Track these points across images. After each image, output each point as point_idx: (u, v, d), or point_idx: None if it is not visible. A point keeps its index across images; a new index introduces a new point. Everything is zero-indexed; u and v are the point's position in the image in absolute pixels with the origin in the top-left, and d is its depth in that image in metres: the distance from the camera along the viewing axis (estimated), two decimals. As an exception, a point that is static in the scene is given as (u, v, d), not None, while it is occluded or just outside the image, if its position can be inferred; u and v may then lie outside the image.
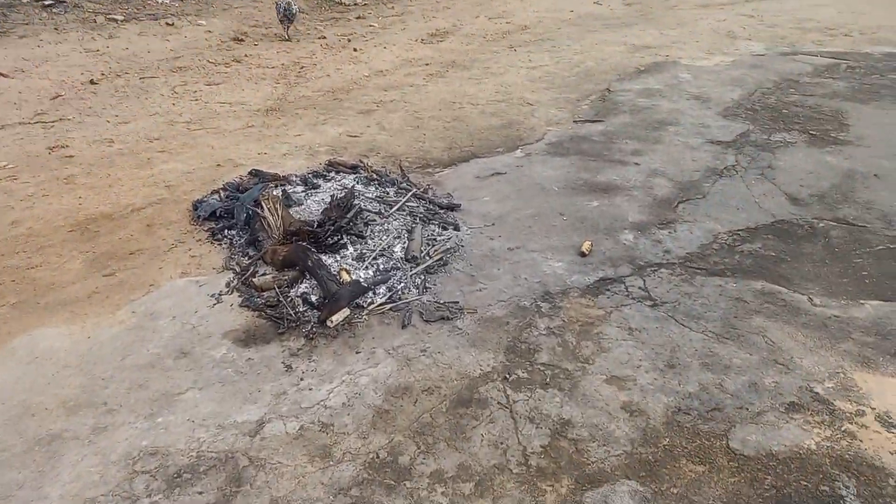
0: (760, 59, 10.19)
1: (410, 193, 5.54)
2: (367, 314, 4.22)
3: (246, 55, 10.53)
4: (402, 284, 4.46)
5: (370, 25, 12.73)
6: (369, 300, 4.31)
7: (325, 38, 11.76)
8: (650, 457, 3.14)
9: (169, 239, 5.16)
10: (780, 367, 3.71)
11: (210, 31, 11.82)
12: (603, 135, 7.23)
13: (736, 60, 10.09)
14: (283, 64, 10.12)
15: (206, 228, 5.26)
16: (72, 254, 4.99)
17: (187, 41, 11.21)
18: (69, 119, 7.72)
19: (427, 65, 10.17)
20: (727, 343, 3.92)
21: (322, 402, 3.51)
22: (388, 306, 4.27)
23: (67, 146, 6.94)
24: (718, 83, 8.96)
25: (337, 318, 4.12)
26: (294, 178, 5.91)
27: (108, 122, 7.63)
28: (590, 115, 7.84)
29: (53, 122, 7.63)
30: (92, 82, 8.99)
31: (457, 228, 5.18)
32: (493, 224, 5.32)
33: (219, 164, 6.45)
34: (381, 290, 4.39)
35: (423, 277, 4.55)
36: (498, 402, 3.50)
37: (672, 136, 7.15)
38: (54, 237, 5.20)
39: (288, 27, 11.45)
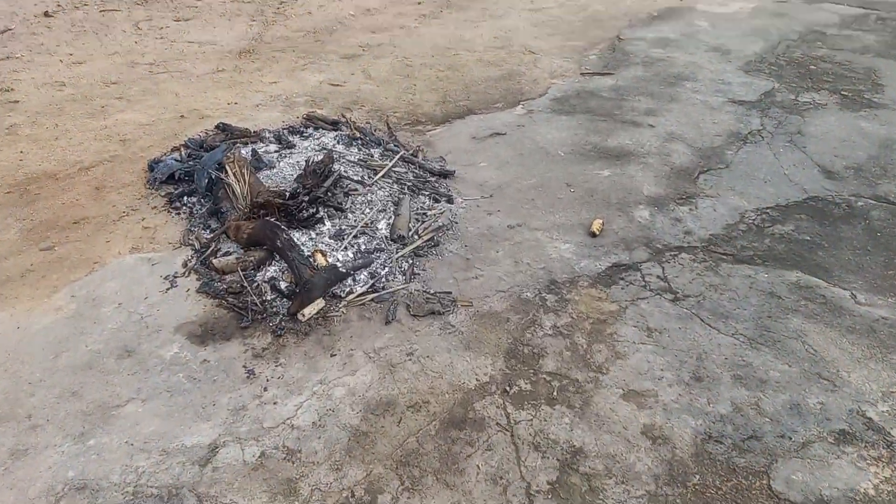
0: (783, 6, 9.39)
1: (398, 157, 4.88)
2: (344, 306, 3.62)
3: (220, -13, 9.58)
4: (387, 270, 3.85)
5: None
6: (348, 289, 3.71)
7: (308, -31, 10.76)
8: (678, 500, 2.63)
9: (120, 205, 4.50)
10: (824, 382, 3.18)
11: (182, -41, 10.77)
12: (613, 90, 6.52)
13: (757, 7, 9.29)
14: (260, -2, 9.21)
15: (162, 194, 4.61)
16: (6, 221, 4.33)
17: (156, -30, 10.19)
18: (18, 57, 6.89)
19: (419, 3, 9.30)
20: (761, 350, 3.38)
21: (288, 421, 2.96)
22: (370, 297, 3.68)
23: (13, 89, 6.16)
24: (739, 33, 8.19)
25: (310, 310, 3.53)
26: (267, 135, 5.21)
27: (62, 61, 6.82)
28: (598, 67, 7.10)
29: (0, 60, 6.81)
30: (47, 14, 8.10)
31: (450, 201, 4.55)
32: (492, 195, 4.68)
33: (182, 116, 5.72)
34: (362, 277, 3.78)
35: (410, 261, 3.95)
36: (497, 423, 2.96)
37: (689, 93, 6.46)
38: (-13, 201, 4.53)
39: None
